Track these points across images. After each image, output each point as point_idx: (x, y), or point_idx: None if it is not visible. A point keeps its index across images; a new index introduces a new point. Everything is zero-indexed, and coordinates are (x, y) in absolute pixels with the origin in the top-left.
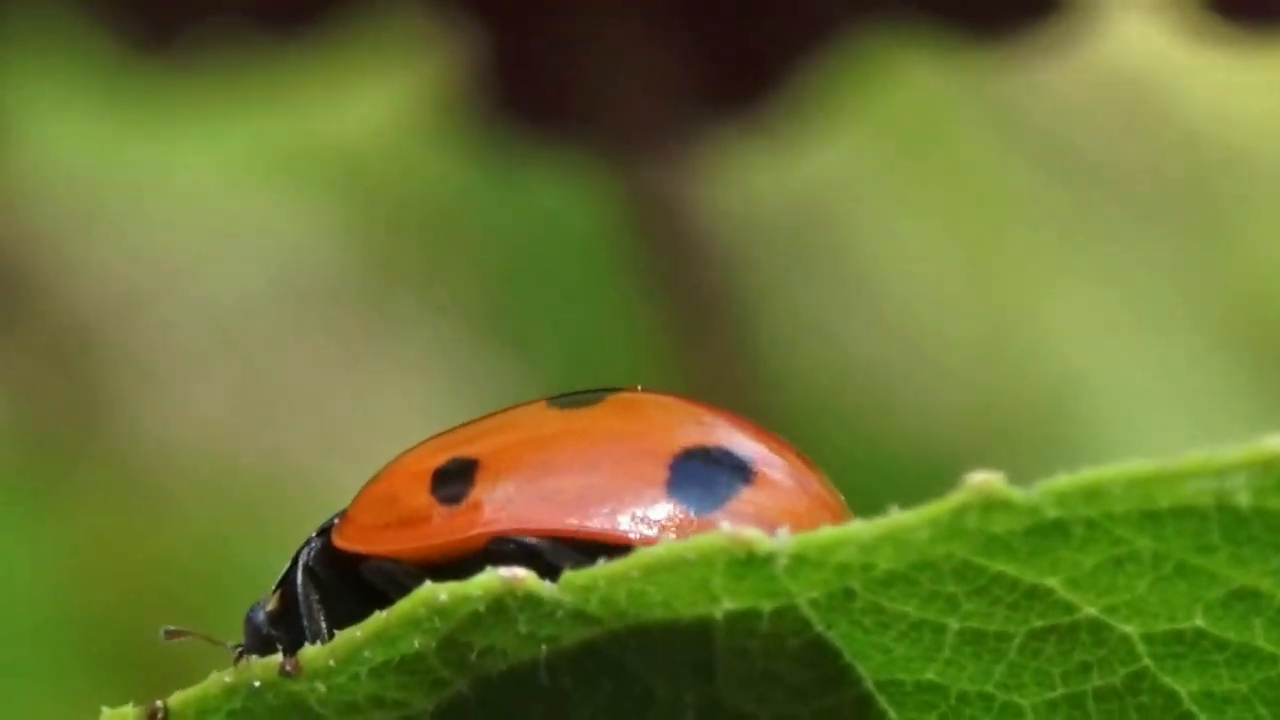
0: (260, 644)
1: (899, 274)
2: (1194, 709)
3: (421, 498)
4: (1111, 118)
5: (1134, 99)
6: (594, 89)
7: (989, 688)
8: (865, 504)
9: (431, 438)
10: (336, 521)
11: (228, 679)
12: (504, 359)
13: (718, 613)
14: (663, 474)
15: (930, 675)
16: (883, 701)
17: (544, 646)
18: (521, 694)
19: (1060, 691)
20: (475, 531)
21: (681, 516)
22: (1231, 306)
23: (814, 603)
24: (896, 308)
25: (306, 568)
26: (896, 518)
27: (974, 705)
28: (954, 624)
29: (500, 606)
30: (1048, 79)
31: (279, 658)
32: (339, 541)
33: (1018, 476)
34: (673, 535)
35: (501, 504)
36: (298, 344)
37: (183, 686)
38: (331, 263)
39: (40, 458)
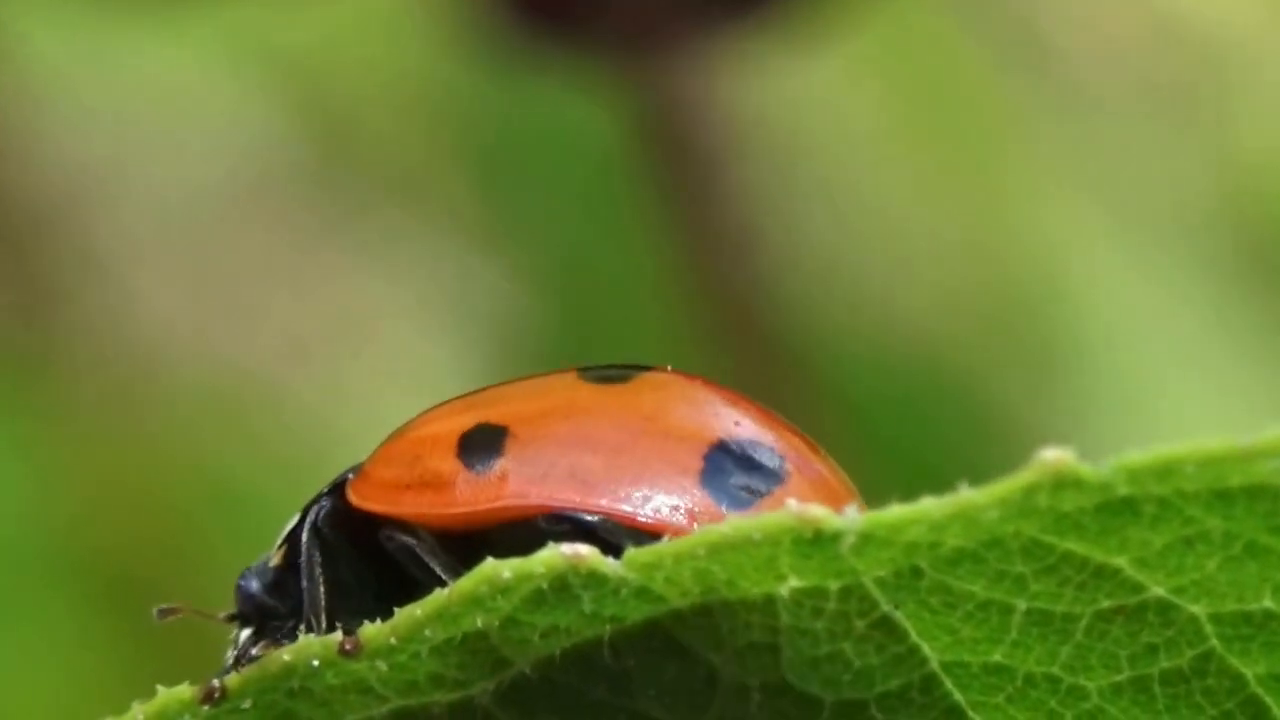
0: (255, 611)
1: (882, 179)
2: (1260, 692)
3: (447, 461)
4: (1102, 18)
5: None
6: None
7: (1055, 670)
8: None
9: (454, 398)
10: (351, 477)
11: (287, 657)
12: (483, 260)
13: (784, 591)
14: (697, 463)
15: (997, 657)
16: (949, 684)
17: (608, 626)
18: (584, 675)
19: (1127, 674)
20: (503, 503)
21: (712, 509)
22: (1221, 208)
23: (881, 582)
24: (878, 212)
25: (314, 529)
26: (965, 495)
27: (1040, 688)
28: (1021, 604)
29: (563, 584)
30: None
31: (338, 635)
32: (356, 499)
33: (997, 375)
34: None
35: (531, 477)
36: (256, 239)
37: (164, 596)
38: (295, 159)
39: None
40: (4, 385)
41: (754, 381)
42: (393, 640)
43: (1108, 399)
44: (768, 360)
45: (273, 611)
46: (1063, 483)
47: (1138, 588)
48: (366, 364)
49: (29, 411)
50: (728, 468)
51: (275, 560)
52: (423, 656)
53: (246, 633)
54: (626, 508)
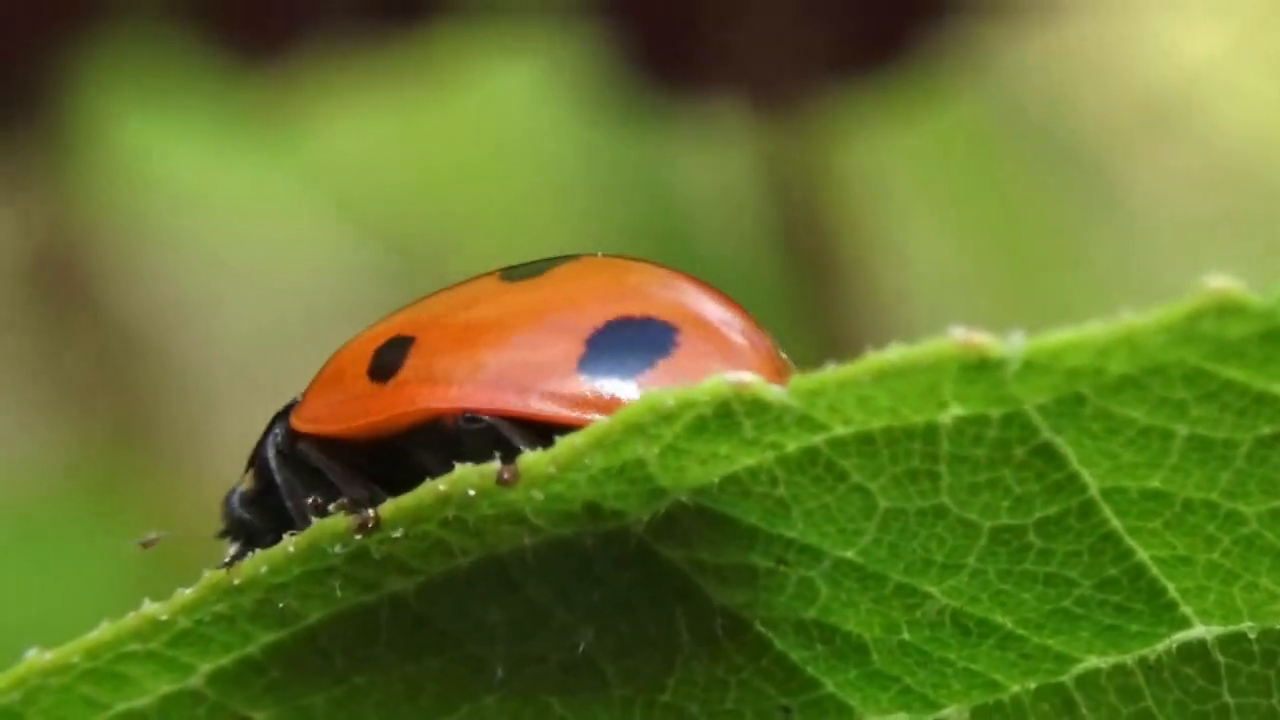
0: (238, 526)
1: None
2: None
3: (360, 378)
4: (1161, 150)
5: (1173, 115)
6: (733, 49)
7: (1214, 495)
8: None
9: (388, 315)
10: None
11: (442, 487)
12: None
13: (946, 419)
14: (578, 349)
15: (1155, 483)
16: (1107, 510)
17: (769, 452)
18: (740, 502)
19: None
20: (400, 410)
21: (594, 393)
22: None
23: (1042, 409)
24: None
25: (275, 449)
26: (1130, 321)
27: (1198, 513)
28: (1182, 430)
29: (726, 411)
30: (1087, 96)
31: (496, 464)
32: (295, 423)
33: None
34: (587, 412)
35: (425, 382)
36: None
37: None
38: (383, 278)
39: (89, 474)
40: (104, 500)
41: None
42: (551, 469)
43: None
44: None
45: (253, 526)
46: (1227, 310)
47: None
48: None
49: (126, 527)
50: (614, 348)
51: (249, 480)
52: (580, 485)
53: (235, 547)
54: (511, 404)
